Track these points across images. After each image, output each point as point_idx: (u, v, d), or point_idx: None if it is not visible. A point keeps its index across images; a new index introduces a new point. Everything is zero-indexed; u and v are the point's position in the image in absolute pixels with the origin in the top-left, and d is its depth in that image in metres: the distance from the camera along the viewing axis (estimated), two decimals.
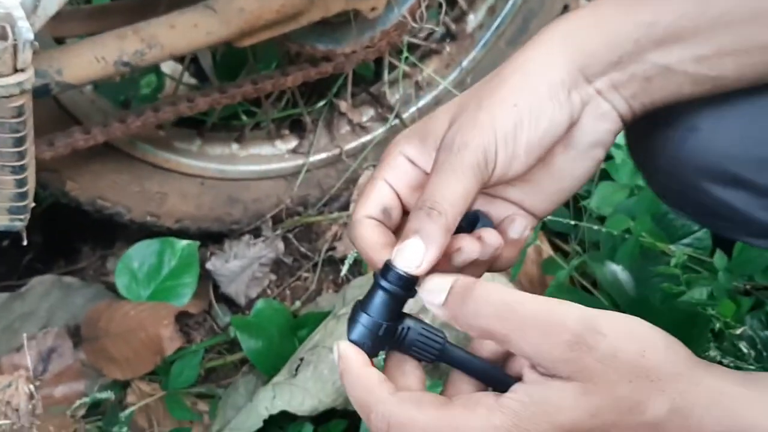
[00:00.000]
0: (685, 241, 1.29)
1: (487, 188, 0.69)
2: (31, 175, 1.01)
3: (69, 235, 1.59)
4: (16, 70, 0.95)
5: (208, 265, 1.47)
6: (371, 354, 0.64)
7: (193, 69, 1.65)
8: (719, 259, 1.25)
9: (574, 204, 1.39)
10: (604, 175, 1.37)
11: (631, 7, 0.68)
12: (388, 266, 0.64)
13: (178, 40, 1.14)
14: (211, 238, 1.52)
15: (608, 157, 1.37)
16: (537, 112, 0.67)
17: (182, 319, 1.43)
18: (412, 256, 0.63)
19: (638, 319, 0.60)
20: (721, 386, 0.58)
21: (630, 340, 0.58)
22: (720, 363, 1.02)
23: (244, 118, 1.55)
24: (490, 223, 0.71)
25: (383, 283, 0.64)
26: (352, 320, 0.64)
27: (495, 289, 0.60)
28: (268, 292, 1.50)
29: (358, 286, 1.33)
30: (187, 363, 1.32)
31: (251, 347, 1.30)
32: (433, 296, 0.62)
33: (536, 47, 0.69)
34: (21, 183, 1.00)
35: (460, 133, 0.67)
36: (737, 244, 1.26)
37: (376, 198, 0.69)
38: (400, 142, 0.71)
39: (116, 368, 1.35)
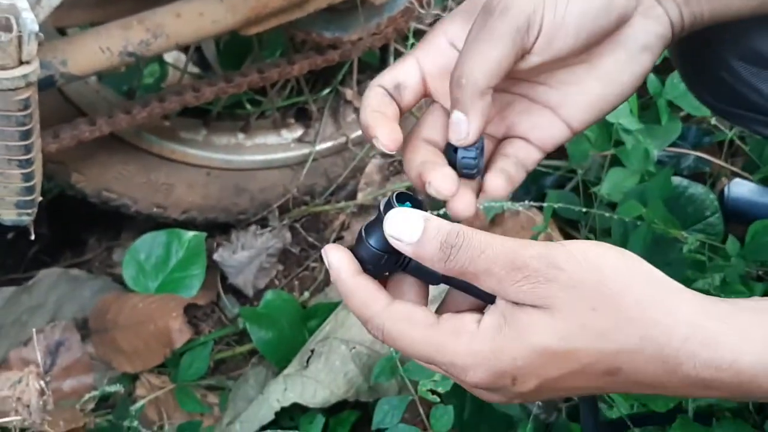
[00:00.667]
0: (698, 226, 1.28)
1: (527, 64, 0.68)
2: (38, 169, 1.00)
3: (75, 227, 1.58)
4: (21, 63, 0.93)
5: (216, 256, 1.46)
6: (374, 277, 0.65)
7: (196, 58, 1.63)
8: (732, 244, 1.24)
9: (584, 190, 1.37)
10: (614, 161, 1.36)
11: None
12: (390, 203, 0.64)
13: (184, 30, 1.13)
14: (218, 229, 1.51)
15: (619, 143, 1.36)
16: None
17: (190, 310, 1.42)
18: (457, 128, 0.67)
19: (604, 246, 0.61)
20: (698, 320, 0.58)
21: (589, 271, 0.59)
22: None
23: (248, 106, 1.54)
24: (473, 160, 0.69)
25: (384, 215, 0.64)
26: (356, 247, 0.65)
27: (466, 234, 0.61)
28: (276, 282, 1.49)
29: None
30: (197, 355, 1.32)
31: (261, 338, 1.29)
32: (405, 234, 0.62)
33: None
34: (28, 177, 0.99)
35: None
36: (750, 229, 1.25)
37: (395, 71, 0.69)
38: (444, 22, 0.70)
39: (125, 361, 1.34)
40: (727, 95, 0.84)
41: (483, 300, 0.65)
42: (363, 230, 0.66)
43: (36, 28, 0.91)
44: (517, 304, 0.60)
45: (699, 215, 1.28)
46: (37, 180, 1.01)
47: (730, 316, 0.59)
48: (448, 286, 0.67)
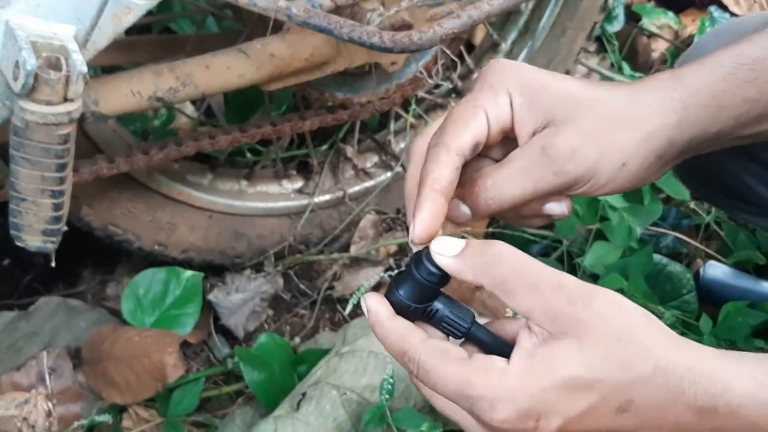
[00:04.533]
0: (674, 303, 1.36)
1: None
2: (67, 199, 1.05)
3: (69, 259, 1.62)
4: (65, 100, 0.99)
5: (211, 297, 1.50)
6: None
7: (199, 103, 1.69)
8: (705, 323, 1.32)
9: (569, 260, 1.45)
10: (599, 234, 1.44)
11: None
12: (420, 257, 0.69)
13: (212, 81, 1.19)
14: (212, 270, 1.56)
15: (604, 219, 1.44)
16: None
17: (181, 347, 1.46)
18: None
19: (626, 299, 0.68)
20: (700, 356, 0.67)
21: (617, 309, 0.67)
22: None
23: (248, 155, 1.60)
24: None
25: (414, 273, 0.70)
26: (388, 294, 0.71)
27: (508, 249, 0.68)
28: (266, 326, 1.54)
29: (359, 326, 1.38)
30: (188, 391, 1.35)
31: (254, 379, 1.33)
32: (447, 249, 0.69)
33: None
34: (58, 207, 1.04)
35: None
36: (722, 309, 1.33)
37: (473, 131, 0.74)
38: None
39: (116, 392, 1.37)
40: (709, 179, 0.93)
41: (502, 356, 0.69)
42: (392, 281, 0.71)
43: (84, 69, 0.97)
44: (544, 339, 0.66)
45: (676, 293, 1.36)
46: (65, 210, 1.06)
47: (729, 360, 0.67)
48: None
